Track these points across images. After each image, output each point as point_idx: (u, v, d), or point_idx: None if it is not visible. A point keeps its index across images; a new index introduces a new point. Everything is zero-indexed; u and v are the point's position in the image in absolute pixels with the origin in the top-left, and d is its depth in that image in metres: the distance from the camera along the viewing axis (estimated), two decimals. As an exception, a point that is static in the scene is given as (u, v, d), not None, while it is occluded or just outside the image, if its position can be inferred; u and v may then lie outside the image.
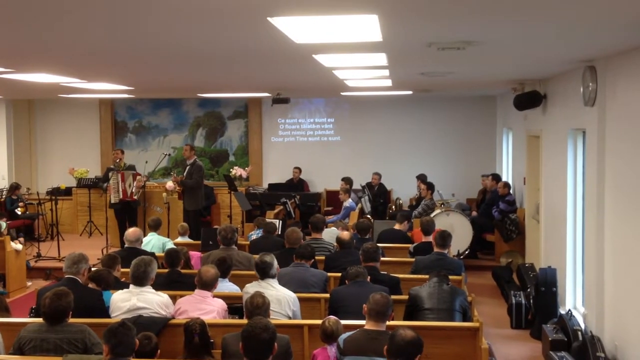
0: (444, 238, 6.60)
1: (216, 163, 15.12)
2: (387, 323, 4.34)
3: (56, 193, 12.37)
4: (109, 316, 5.05)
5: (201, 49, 5.39)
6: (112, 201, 10.89)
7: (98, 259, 9.98)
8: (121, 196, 10.75)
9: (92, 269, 5.54)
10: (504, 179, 12.17)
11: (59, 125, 15.20)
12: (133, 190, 10.78)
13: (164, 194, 11.19)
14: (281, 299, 5.20)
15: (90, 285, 5.34)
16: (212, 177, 14.83)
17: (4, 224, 9.78)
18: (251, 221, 10.14)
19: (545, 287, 7.42)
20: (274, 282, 5.36)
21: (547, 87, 8.71)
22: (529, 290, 8.07)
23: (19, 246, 9.58)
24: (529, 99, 8.85)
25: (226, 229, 6.87)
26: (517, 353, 7.06)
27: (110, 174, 10.91)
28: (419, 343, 3.69)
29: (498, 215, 10.82)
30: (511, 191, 11.13)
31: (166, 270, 6.08)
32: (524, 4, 3.60)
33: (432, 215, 10.07)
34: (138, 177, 10.81)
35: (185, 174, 10.95)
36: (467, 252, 10.54)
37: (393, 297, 4.79)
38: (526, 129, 10.08)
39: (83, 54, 5.71)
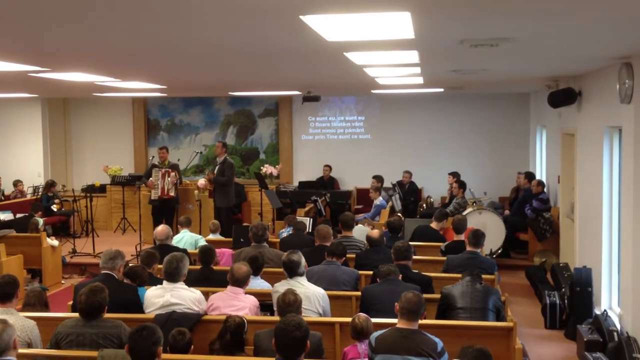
0: (478, 237, 6.52)
1: (247, 161, 15.22)
2: (419, 322, 4.32)
3: (91, 190, 12.58)
4: (143, 311, 5.14)
5: (234, 48, 5.42)
6: (152, 197, 11.03)
7: (132, 255, 10.15)
8: (159, 193, 10.88)
9: (129, 265, 5.63)
10: (537, 177, 12.01)
11: (93, 123, 15.49)
12: (169, 187, 10.91)
13: (196, 192, 11.29)
14: (310, 296, 5.21)
15: (125, 282, 5.44)
16: (242, 175, 14.93)
17: (41, 221, 9.98)
18: (282, 219, 10.18)
19: (580, 287, 7.30)
20: (303, 280, 5.37)
21: (582, 84, 8.57)
22: (563, 290, 7.95)
23: (55, 242, 9.77)
24: (563, 97, 8.71)
25: (257, 227, 6.91)
26: (551, 353, 6.97)
27: (153, 171, 11.06)
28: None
29: (531, 214, 10.68)
30: (545, 189, 10.97)
31: (199, 267, 6.15)
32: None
33: (464, 213, 9.99)
34: (172, 175, 10.93)
35: (216, 171, 11.03)
36: (499, 251, 10.43)
37: (425, 295, 4.76)
38: (560, 126, 9.93)
39: (119, 54, 5.80)
